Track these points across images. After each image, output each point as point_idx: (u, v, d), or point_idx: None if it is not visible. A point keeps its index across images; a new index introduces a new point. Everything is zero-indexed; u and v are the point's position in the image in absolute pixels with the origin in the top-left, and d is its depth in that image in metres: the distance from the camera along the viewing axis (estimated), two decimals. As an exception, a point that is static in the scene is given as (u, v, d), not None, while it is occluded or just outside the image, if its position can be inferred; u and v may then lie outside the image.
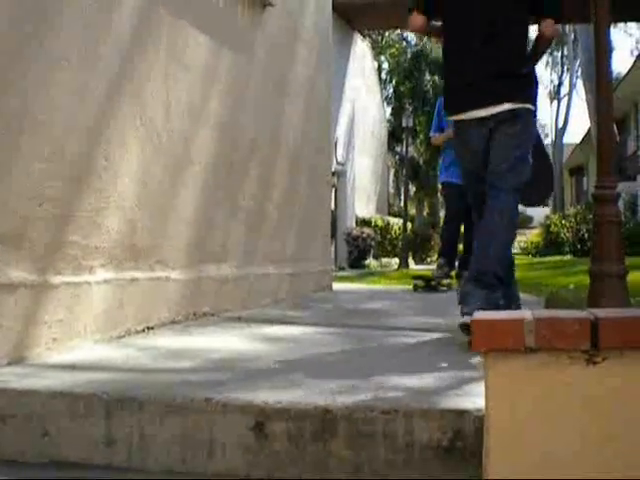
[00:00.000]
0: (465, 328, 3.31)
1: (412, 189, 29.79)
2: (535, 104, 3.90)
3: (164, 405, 2.42)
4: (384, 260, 20.40)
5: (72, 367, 2.95)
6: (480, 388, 2.06)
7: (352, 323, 4.42)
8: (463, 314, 3.46)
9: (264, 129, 5.50)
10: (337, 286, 7.51)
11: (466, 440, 2.23)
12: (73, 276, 3.36)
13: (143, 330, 3.88)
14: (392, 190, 31.59)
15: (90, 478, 2.32)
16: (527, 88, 3.88)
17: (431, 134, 8.42)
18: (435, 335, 3.96)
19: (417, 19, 4.05)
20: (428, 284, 7.81)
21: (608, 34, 4.23)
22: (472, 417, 2.23)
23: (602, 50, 4.10)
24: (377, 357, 3.25)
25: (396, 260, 19.81)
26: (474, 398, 2.29)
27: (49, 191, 3.21)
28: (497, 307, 3.42)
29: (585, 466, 1.84)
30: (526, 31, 3.96)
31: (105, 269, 3.61)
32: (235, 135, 5.02)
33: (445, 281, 7.91)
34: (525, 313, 1.92)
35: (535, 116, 3.96)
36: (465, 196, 5.23)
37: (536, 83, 4.00)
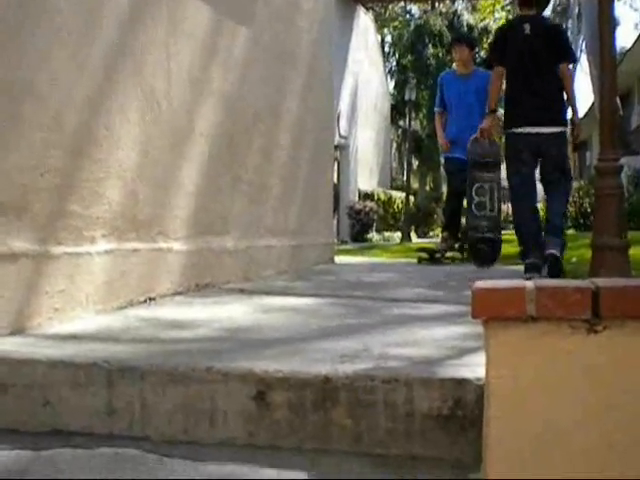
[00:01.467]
0: (553, 258, 5.46)
1: (415, 163, 29.71)
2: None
3: (165, 374, 2.43)
4: (387, 234, 20.41)
5: (73, 337, 2.95)
6: (480, 358, 2.06)
7: (354, 294, 4.41)
8: (547, 254, 5.49)
9: (266, 101, 5.48)
10: (339, 259, 7.51)
11: (466, 409, 2.24)
12: (74, 246, 3.36)
13: (145, 301, 3.88)
14: (395, 164, 31.55)
15: (92, 446, 2.32)
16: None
17: (435, 109, 8.53)
18: (436, 307, 3.96)
19: (499, 69, 6.15)
20: (432, 256, 7.80)
21: (612, 8, 4.21)
22: (472, 386, 2.23)
23: (606, 23, 4.07)
24: (378, 327, 3.25)
25: (398, 234, 19.81)
26: (474, 367, 2.29)
27: (50, 161, 3.21)
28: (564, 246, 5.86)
29: (586, 435, 1.84)
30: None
31: (107, 240, 3.61)
32: (237, 106, 5.00)
33: (449, 254, 7.90)
34: (526, 282, 1.91)
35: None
36: (465, 171, 7.21)
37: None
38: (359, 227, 18.81)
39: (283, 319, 3.51)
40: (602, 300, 1.83)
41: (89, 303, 3.44)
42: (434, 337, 3.01)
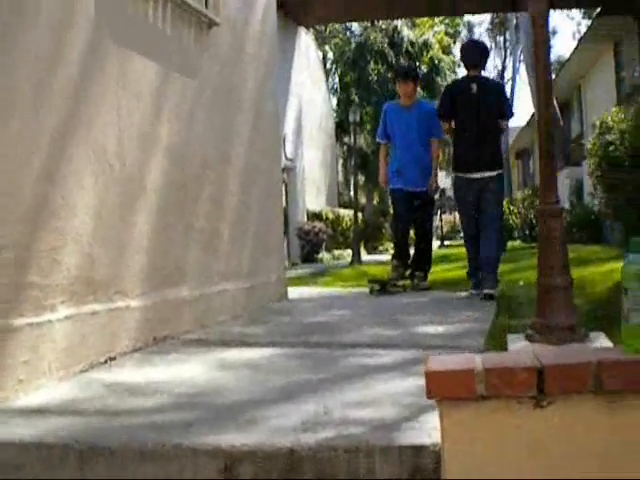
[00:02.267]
0: (489, 297, 6.59)
1: (361, 179, 29.96)
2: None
3: (135, 452, 2.51)
4: (337, 252, 20.55)
5: (41, 411, 3.01)
6: (436, 419, 2.20)
7: (310, 341, 4.52)
8: (484, 290, 6.70)
9: (215, 148, 5.58)
10: (292, 290, 7.60)
11: (424, 474, 2.36)
12: (35, 316, 3.42)
13: (106, 361, 3.95)
14: (341, 179, 31.74)
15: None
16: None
17: (378, 140, 8.62)
18: (392, 353, 4.08)
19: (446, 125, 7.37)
20: (384, 287, 7.85)
21: (547, 33, 4.35)
22: (430, 452, 2.35)
23: (541, 65, 4.23)
24: (337, 382, 3.35)
25: (348, 252, 19.94)
26: (431, 431, 2.41)
27: (8, 236, 3.27)
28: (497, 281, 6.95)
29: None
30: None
31: (66, 305, 3.67)
32: (186, 157, 5.09)
33: (400, 282, 7.98)
34: (476, 361, 2.04)
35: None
36: (411, 201, 8.02)
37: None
38: (309, 248, 18.93)
39: (243, 378, 3.59)
40: (546, 378, 1.96)
41: (52, 371, 3.50)
42: (392, 392, 3.12)
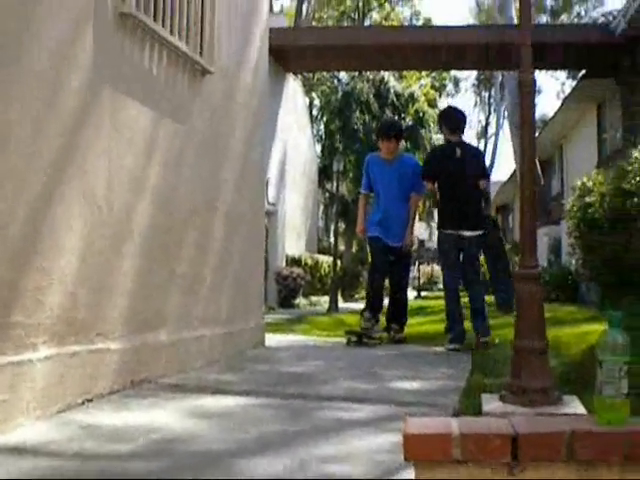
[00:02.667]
0: (485, 344, 7.21)
1: (342, 226, 30.10)
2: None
3: (111, 499, 2.54)
4: (314, 298, 20.56)
5: (19, 450, 3.04)
6: (410, 477, 2.24)
7: (286, 392, 4.54)
8: (481, 338, 7.37)
9: (201, 194, 5.64)
10: (269, 337, 7.61)
11: (397, 534, 2.40)
12: (16, 355, 3.44)
13: (83, 403, 3.96)
14: (322, 225, 31.87)
15: None
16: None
17: (362, 190, 8.66)
18: (368, 408, 4.11)
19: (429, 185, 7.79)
20: (360, 339, 7.85)
21: (533, 107, 4.47)
22: (402, 513, 2.39)
23: (526, 124, 4.34)
24: (312, 437, 3.39)
25: (325, 299, 19.97)
26: (404, 492, 2.46)
27: (-5, 275, 3.31)
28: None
29: None
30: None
31: (47, 345, 3.70)
32: (173, 202, 5.15)
33: (377, 334, 7.98)
34: (452, 425, 2.09)
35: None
36: (388, 252, 8.13)
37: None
38: (286, 292, 18.93)
39: (218, 427, 3.61)
40: (521, 446, 2.01)
41: (29, 410, 3.51)
42: (367, 448, 3.16)
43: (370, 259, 8.78)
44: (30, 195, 3.59)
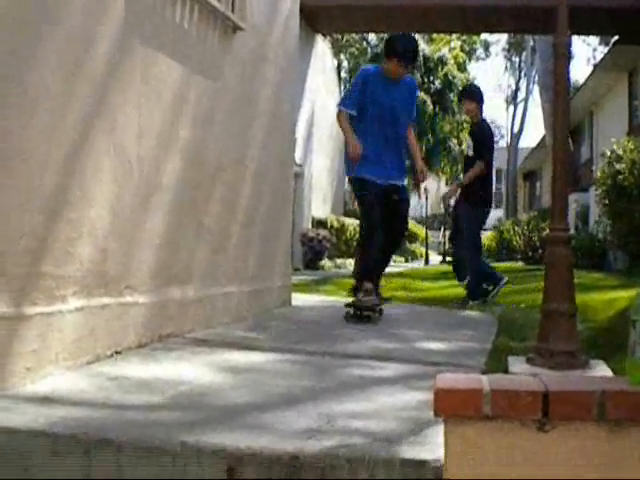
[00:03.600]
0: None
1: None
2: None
3: (141, 448, 2.56)
4: (339, 261, 20.58)
5: (48, 400, 3.06)
6: (438, 434, 2.25)
7: (312, 349, 4.56)
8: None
9: (230, 151, 5.63)
10: (295, 297, 7.63)
11: (425, 489, 2.40)
12: (47, 306, 3.47)
13: (111, 355, 3.99)
14: (348, 188, 31.78)
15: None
16: None
17: (343, 108, 6.48)
18: (393, 366, 4.12)
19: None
20: (361, 313, 6.16)
21: (568, 68, 4.41)
22: (431, 467, 2.39)
23: (561, 98, 4.29)
24: (339, 393, 3.39)
25: (351, 261, 19.98)
26: (433, 446, 2.45)
27: (27, 225, 3.32)
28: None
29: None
30: None
31: (77, 297, 3.72)
32: (202, 158, 5.14)
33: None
34: (483, 381, 2.09)
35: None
36: (385, 199, 6.39)
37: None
38: (312, 254, 18.96)
39: (245, 381, 3.63)
40: (551, 403, 2.01)
41: (59, 360, 3.55)
42: (394, 406, 3.16)
43: (362, 211, 6.52)
44: (61, 147, 3.59)
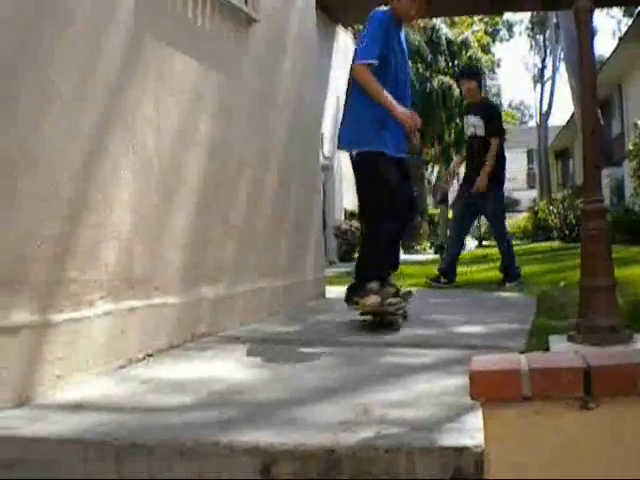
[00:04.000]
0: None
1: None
2: None
3: (173, 450, 2.49)
4: (374, 251, 20.47)
5: (78, 406, 3.01)
6: (478, 420, 2.15)
7: (347, 340, 4.48)
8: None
9: (252, 145, 5.56)
10: (329, 289, 7.55)
11: (467, 475, 2.31)
12: (73, 312, 3.42)
13: (144, 358, 3.94)
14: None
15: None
16: None
17: (371, 61, 4.88)
18: (430, 352, 4.03)
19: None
20: (380, 319, 5.04)
21: (592, 42, 4.28)
22: (472, 453, 2.29)
23: (587, 63, 4.16)
24: (375, 383, 3.31)
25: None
26: (473, 432, 2.36)
27: (47, 231, 3.27)
28: None
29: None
30: None
31: (104, 301, 3.67)
32: (224, 154, 5.07)
33: (397, 304, 5.02)
34: (521, 361, 1.99)
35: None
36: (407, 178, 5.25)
37: None
38: (346, 246, 18.84)
39: (280, 376, 3.56)
40: (593, 379, 1.91)
41: (89, 366, 3.50)
42: (432, 392, 3.07)
43: (377, 191, 5.00)
44: (79, 150, 3.54)
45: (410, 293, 5.45)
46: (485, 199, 8.29)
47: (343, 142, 5.24)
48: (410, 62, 5.71)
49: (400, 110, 4.91)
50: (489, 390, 1.94)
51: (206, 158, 4.81)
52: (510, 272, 8.20)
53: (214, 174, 4.90)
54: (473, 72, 9.03)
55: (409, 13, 5.13)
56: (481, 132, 8.34)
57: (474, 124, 8.42)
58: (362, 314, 4.99)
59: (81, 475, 2.50)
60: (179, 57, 4.50)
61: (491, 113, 8.54)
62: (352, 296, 5.07)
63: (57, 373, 3.27)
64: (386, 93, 4.88)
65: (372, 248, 5.09)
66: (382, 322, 4.97)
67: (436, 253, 8.37)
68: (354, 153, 5.09)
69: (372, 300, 4.78)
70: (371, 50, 4.89)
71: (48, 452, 2.57)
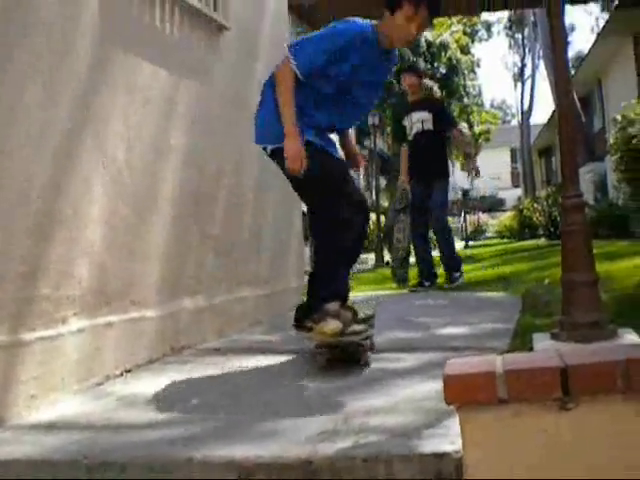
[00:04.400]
0: None
1: (383, 182, 29.84)
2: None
3: (145, 467, 2.43)
4: (361, 257, 20.40)
5: (51, 426, 2.94)
6: (455, 422, 2.09)
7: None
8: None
9: (229, 153, 5.49)
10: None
11: (447, 481, 2.25)
12: (46, 330, 3.35)
13: (121, 374, 3.87)
14: (363, 183, 31.64)
15: None
16: None
17: (294, 64, 3.98)
18: (414, 356, 3.98)
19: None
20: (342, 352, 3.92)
21: (564, 31, 4.24)
22: (452, 459, 2.24)
23: (561, 66, 4.12)
24: (357, 389, 3.25)
25: (371, 256, 19.82)
26: (453, 437, 2.30)
27: (16, 248, 3.20)
28: None
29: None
30: None
31: (78, 318, 3.60)
32: (200, 163, 5.01)
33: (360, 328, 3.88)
34: (496, 363, 1.93)
35: None
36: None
37: None
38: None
39: (259, 386, 3.51)
40: (571, 378, 1.85)
41: (65, 385, 3.43)
42: (413, 398, 3.02)
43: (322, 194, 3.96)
44: (46, 164, 3.46)
45: (373, 317, 4.15)
46: (433, 189, 8.27)
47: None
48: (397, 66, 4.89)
49: (293, 141, 3.90)
50: (464, 394, 1.89)
51: (181, 168, 4.74)
52: (453, 263, 8.40)
53: (190, 184, 4.83)
54: (414, 68, 8.98)
55: (403, 37, 4.02)
56: (430, 126, 8.30)
57: (422, 119, 8.32)
58: (317, 346, 3.95)
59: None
60: (148, 67, 4.42)
61: (438, 106, 8.56)
62: (303, 320, 4.06)
63: (31, 393, 3.20)
64: (293, 110, 3.95)
65: (328, 259, 3.98)
66: (345, 355, 3.88)
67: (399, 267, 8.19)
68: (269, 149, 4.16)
69: (332, 326, 3.67)
70: (311, 60, 3.97)
71: (19, 474, 2.50)
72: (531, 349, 3.75)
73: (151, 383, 3.69)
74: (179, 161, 4.72)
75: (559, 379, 1.84)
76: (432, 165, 8.27)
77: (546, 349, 3.43)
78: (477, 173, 9.07)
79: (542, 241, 18.17)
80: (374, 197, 23.81)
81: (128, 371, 3.92)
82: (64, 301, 3.51)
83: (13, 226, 3.21)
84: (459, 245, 28.63)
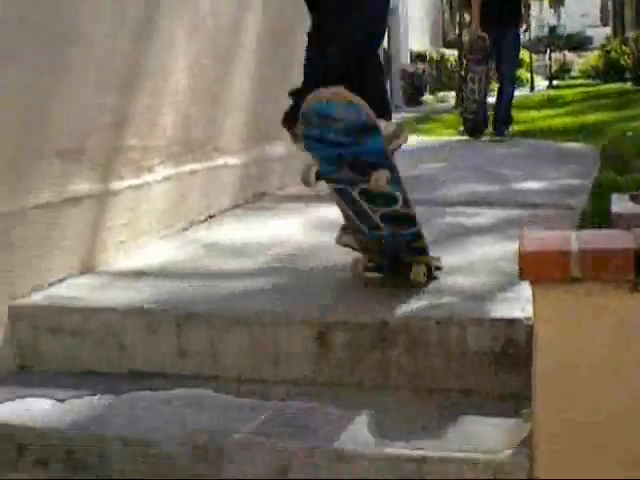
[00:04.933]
0: None
1: (467, 17, 28.88)
2: None
3: (231, 319, 2.57)
4: (440, 94, 20.04)
5: (140, 273, 3.09)
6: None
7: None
8: None
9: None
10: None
11: (517, 347, 2.34)
12: (134, 179, 3.47)
13: (205, 219, 4.00)
14: (446, 18, 30.74)
15: (167, 387, 2.48)
16: None
17: None
18: (489, 212, 4.00)
19: None
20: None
21: None
22: (523, 326, 2.33)
23: None
24: (434, 247, 3.31)
25: (453, 94, 19.48)
26: (525, 304, 2.37)
27: (104, 100, 3.28)
28: None
29: (620, 390, 1.94)
30: None
31: (164, 166, 3.71)
32: (282, 6, 4.94)
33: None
34: (571, 241, 1.97)
35: None
36: None
37: None
38: (412, 90, 18.54)
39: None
40: (644, 260, 1.88)
41: (152, 230, 3.58)
42: (488, 258, 3.08)
43: None
44: (130, 15, 3.48)
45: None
46: (504, 39, 7.96)
47: None
48: None
49: None
50: (538, 271, 1.93)
51: (263, 12, 4.70)
52: (501, 124, 8.18)
53: (272, 27, 4.80)
54: None
55: None
56: None
57: None
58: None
59: (145, 344, 2.61)
60: None
61: None
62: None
63: (120, 239, 3.35)
64: None
65: None
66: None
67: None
68: None
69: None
70: None
71: (112, 322, 2.67)
72: (608, 211, 3.74)
73: (234, 230, 3.82)
74: (260, 7, 4.68)
75: (633, 262, 1.87)
76: (505, 10, 7.90)
77: (627, 217, 3.42)
78: None
79: (629, 85, 17.59)
80: (457, 32, 23.19)
81: (212, 216, 4.05)
82: (150, 150, 3.61)
83: (100, 80, 3.26)
84: (543, 84, 27.92)
